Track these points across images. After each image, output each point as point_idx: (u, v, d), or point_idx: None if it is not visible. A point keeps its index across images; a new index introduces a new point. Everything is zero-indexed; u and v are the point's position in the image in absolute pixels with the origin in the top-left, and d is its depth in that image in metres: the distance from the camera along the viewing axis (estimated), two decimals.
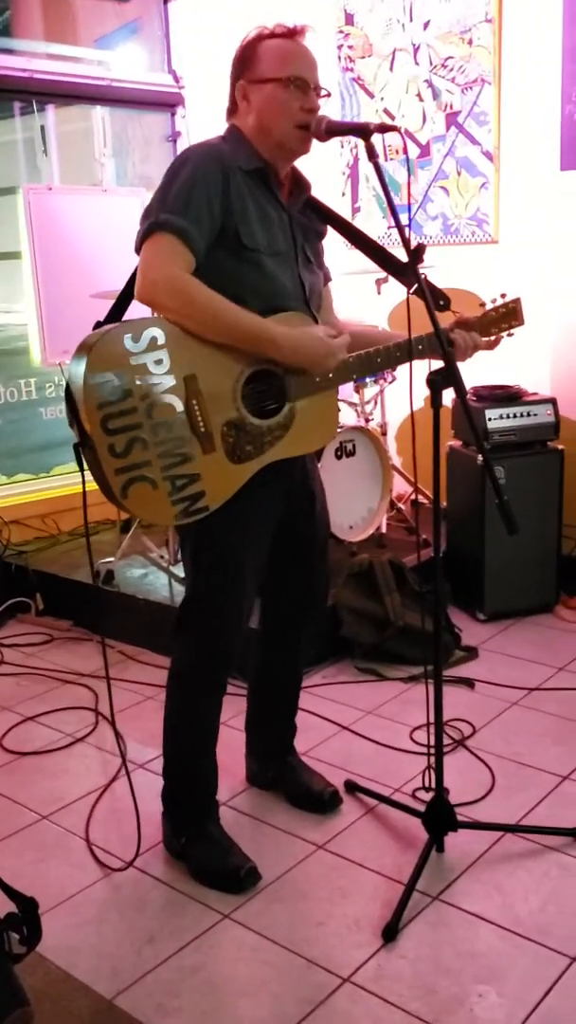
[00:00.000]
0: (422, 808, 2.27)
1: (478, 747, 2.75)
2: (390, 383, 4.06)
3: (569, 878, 2.17)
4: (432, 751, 2.23)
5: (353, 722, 2.93)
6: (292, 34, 2.05)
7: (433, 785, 2.23)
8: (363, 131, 1.96)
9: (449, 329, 2.18)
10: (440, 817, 2.23)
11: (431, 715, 2.20)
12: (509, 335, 2.30)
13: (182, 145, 4.89)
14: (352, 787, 2.55)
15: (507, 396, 3.65)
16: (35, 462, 4.72)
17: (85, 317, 2.11)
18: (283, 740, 2.57)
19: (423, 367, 2.13)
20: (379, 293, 4.01)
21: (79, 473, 1.96)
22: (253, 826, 2.44)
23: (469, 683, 3.14)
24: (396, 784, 2.58)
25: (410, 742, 2.79)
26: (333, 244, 2.33)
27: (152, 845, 2.35)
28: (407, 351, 2.13)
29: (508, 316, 2.27)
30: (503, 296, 2.26)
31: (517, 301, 2.27)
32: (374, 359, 2.12)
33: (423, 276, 2.13)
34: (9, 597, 3.92)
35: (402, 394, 4.09)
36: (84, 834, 2.44)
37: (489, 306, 2.25)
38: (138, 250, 1.96)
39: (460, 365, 2.07)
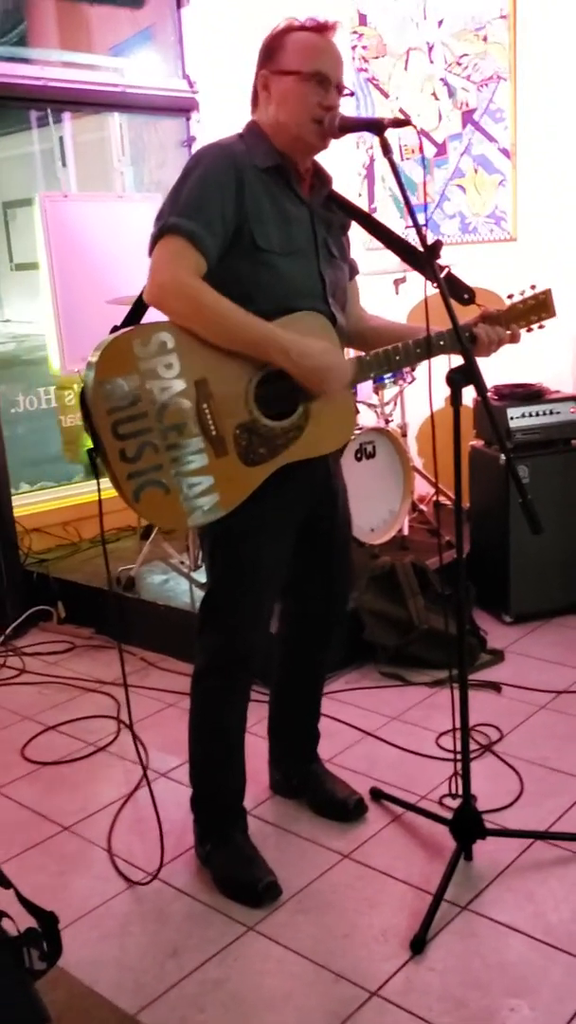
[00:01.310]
0: (449, 815, 2.23)
1: (506, 752, 2.70)
2: (409, 383, 4.02)
3: None
4: (459, 757, 2.18)
5: (377, 728, 2.89)
6: (322, 29, 2.01)
7: (460, 792, 2.18)
8: (376, 126, 1.93)
9: (472, 324, 2.13)
10: (468, 825, 2.19)
11: (457, 720, 2.15)
12: (540, 327, 2.24)
13: (197, 149, 4.88)
14: (377, 795, 2.51)
15: (529, 394, 3.60)
16: (57, 470, 4.73)
17: (103, 323, 2.09)
18: (306, 747, 2.54)
19: (441, 368, 2.09)
20: (397, 293, 3.97)
21: (93, 472, 1.94)
22: (277, 835, 2.40)
23: (496, 687, 3.09)
24: (422, 791, 2.53)
25: (436, 748, 2.75)
26: (353, 243, 2.30)
27: (175, 855, 2.32)
28: (427, 347, 2.08)
29: (538, 308, 2.21)
30: (532, 288, 2.21)
31: (548, 292, 2.21)
32: (392, 356, 2.07)
33: (447, 269, 2.09)
34: (31, 605, 3.91)
35: (422, 394, 4.05)
36: (107, 845, 2.41)
37: (517, 298, 2.20)
38: (151, 253, 1.94)
39: (482, 362, 2.03)
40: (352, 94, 2.04)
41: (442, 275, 2.03)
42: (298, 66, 1.97)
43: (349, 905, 2.13)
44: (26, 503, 4.39)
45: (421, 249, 1.99)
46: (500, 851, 2.25)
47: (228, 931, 2.07)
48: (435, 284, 1.96)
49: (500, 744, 2.75)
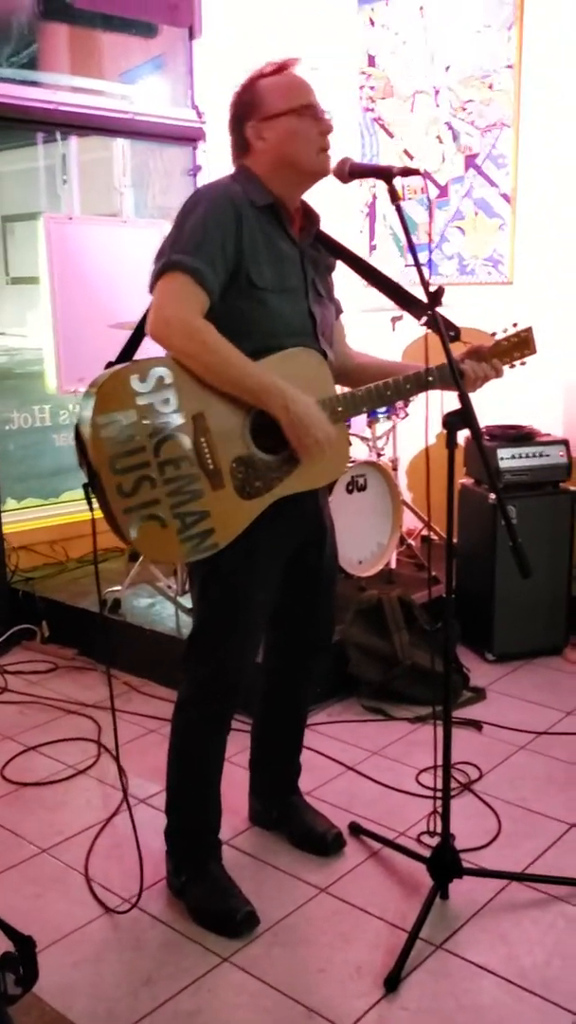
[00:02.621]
0: (427, 853, 2.24)
1: (484, 792, 2.71)
2: (402, 419, 4.07)
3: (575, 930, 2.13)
4: (439, 795, 2.20)
5: (359, 762, 2.90)
6: (283, 68, 2.07)
7: (439, 830, 2.19)
8: (386, 174, 1.97)
9: (460, 360, 2.17)
10: (445, 863, 2.20)
11: (439, 758, 2.17)
12: (522, 364, 2.29)
13: (202, 178, 4.93)
14: (356, 829, 2.52)
15: (520, 436, 3.65)
16: (44, 487, 4.73)
17: (101, 346, 2.11)
18: (287, 779, 2.54)
19: (438, 404, 2.13)
20: (394, 330, 4.02)
21: (87, 503, 1.96)
22: (255, 867, 2.40)
23: (477, 725, 3.11)
24: (401, 828, 2.54)
25: (416, 784, 2.76)
26: (350, 281, 2.34)
27: (152, 883, 2.31)
28: (417, 383, 2.12)
29: (520, 345, 2.25)
30: (515, 326, 2.26)
31: (529, 330, 2.26)
32: (383, 392, 2.11)
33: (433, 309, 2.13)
34: (15, 624, 3.90)
35: (414, 429, 4.10)
36: (84, 869, 2.41)
37: (500, 336, 2.25)
38: (151, 289, 1.97)
39: (474, 402, 2.06)
40: (332, 116, 2.09)
41: (426, 317, 2.07)
42: (287, 105, 2.02)
43: (325, 940, 2.13)
44: (14, 520, 4.39)
45: (415, 293, 2.02)
46: (476, 891, 2.26)
47: (203, 961, 2.06)
48: (422, 324, 2.00)
49: (479, 783, 2.77)
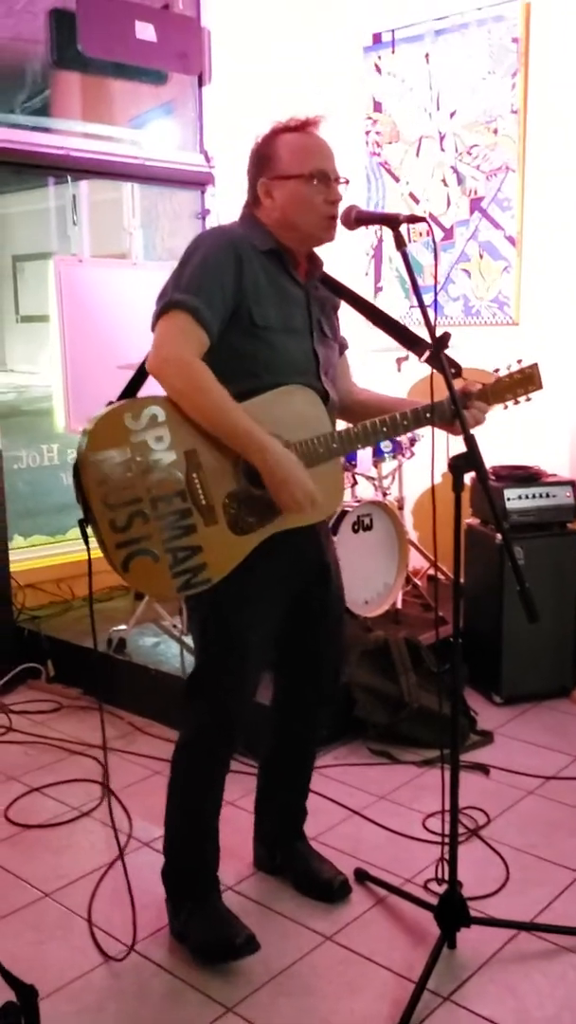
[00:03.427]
0: (434, 901, 2.21)
1: (492, 838, 2.68)
2: (409, 458, 4.08)
3: None
4: (447, 841, 2.17)
5: (364, 807, 2.87)
6: (306, 126, 2.09)
7: (446, 877, 2.17)
8: (392, 221, 2.00)
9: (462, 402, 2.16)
10: (453, 912, 2.16)
11: (446, 802, 2.15)
12: (527, 400, 2.29)
13: (211, 222, 5.00)
14: (362, 876, 2.48)
15: (526, 477, 3.65)
16: (52, 525, 4.74)
17: (109, 386, 2.13)
18: (293, 824, 2.52)
19: (443, 443, 2.13)
20: (399, 370, 4.05)
21: (94, 543, 1.96)
22: (259, 913, 2.37)
23: (484, 770, 3.08)
24: (407, 874, 2.51)
25: (423, 830, 2.73)
26: (356, 322, 2.36)
27: (155, 929, 2.29)
28: (414, 419, 2.14)
29: (525, 382, 2.26)
30: (519, 362, 2.26)
31: (534, 367, 2.26)
32: (379, 428, 2.12)
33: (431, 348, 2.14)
34: (21, 662, 3.89)
35: (420, 469, 4.11)
36: (86, 915, 2.38)
37: (504, 372, 2.25)
38: (153, 328, 2.00)
39: (481, 442, 2.05)
40: (348, 182, 2.11)
41: (428, 353, 2.09)
42: (297, 169, 2.04)
43: (330, 989, 2.10)
44: (21, 559, 4.39)
45: (419, 334, 2.04)
46: (484, 940, 2.22)
47: (207, 1011, 2.03)
48: (423, 361, 2.02)
49: (487, 828, 2.74)
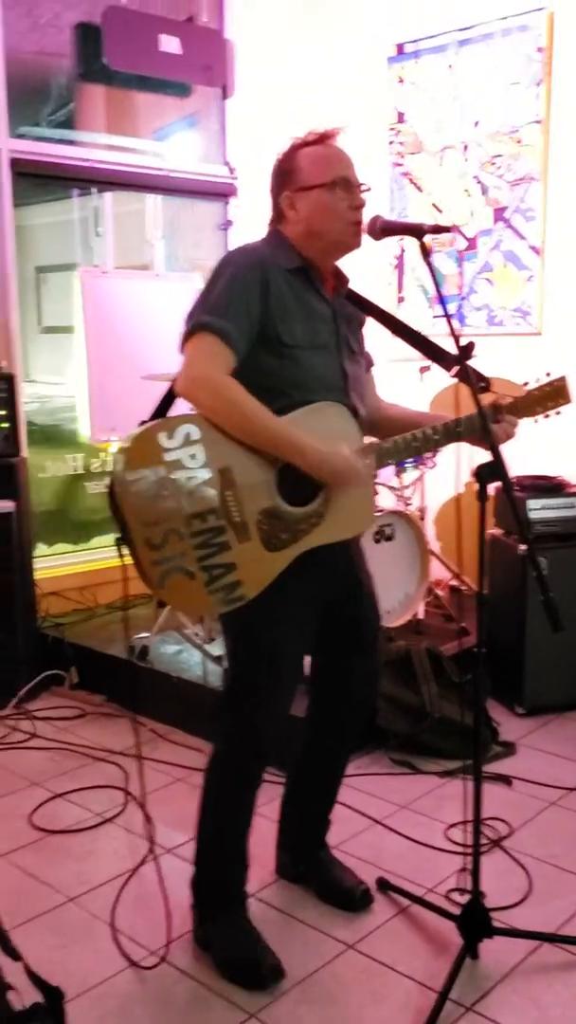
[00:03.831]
0: (456, 911, 2.21)
1: (514, 848, 2.67)
2: (430, 468, 4.08)
3: None
4: (469, 852, 2.17)
5: (386, 816, 2.87)
6: (325, 138, 2.11)
7: (469, 887, 2.16)
8: (417, 231, 2.01)
9: (490, 416, 2.17)
10: (475, 922, 2.16)
11: (468, 813, 2.15)
12: (557, 414, 2.29)
13: (233, 233, 5.03)
14: (384, 885, 2.48)
15: (550, 487, 3.64)
16: (75, 533, 4.78)
17: (133, 397, 2.15)
18: (316, 833, 2.52)
19: (467, 453, 2.14)
20: (421, 380, 4.05)
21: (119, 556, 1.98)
22: (281, 920, 2.38)
23: (506, 780, 3.07)
24: (429, 884, 2.51)
25: (445, 840, 2.72)
26: (378, 332, 2.37)
27: (179, 935, 2.29)
28: (445, 434, 2.15)
29: (554, 395, 2.25)
30: (548, 375, 2.26)
31: (563, 380, 2.26)
32: (411, 443, 2.13)
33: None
34: (44, 669, 3.92)
35: (441, 479, 4.11)
36: (110, 920, 2.39)
37: (532, 386, 2.25)
38: (181, 350, 2.02)
39: (505, 452, 2.06)
40: (370, 188, 2.13)
41: (458, 367, 2.10)
42: (319, 179, 2.06)
43: (353, 998, 2.10)
44: (45, 567, 4.43)
45: (443, 344, 2.04)
46: (507, 951, 2.22)
47: (230, 1017, 2.04)
48: (453, 376, 2.02)
49: (509, 839, 2.73)
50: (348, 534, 2.18)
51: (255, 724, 2.17)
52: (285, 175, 2.11)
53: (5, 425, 3.74)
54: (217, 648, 3.64)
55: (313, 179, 2.06)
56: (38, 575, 4.10)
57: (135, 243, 5.14)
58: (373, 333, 2.36)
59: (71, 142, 4.62)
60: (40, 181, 4.53)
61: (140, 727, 3.51)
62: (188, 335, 2.00)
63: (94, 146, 4.64)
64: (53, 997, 1.64)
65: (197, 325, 1.98)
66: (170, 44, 4.55)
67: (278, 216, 2.14)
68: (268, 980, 2.13)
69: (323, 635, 2.25)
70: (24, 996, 1.68)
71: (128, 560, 1.95)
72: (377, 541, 3.73)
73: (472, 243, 4.30)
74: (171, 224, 5.22)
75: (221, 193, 5.04)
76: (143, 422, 2.03)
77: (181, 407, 2.07)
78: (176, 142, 5.11)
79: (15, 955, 1.67)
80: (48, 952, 2.26)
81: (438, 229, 2.02)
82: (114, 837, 2.81)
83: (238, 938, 2.21)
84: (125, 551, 1.94)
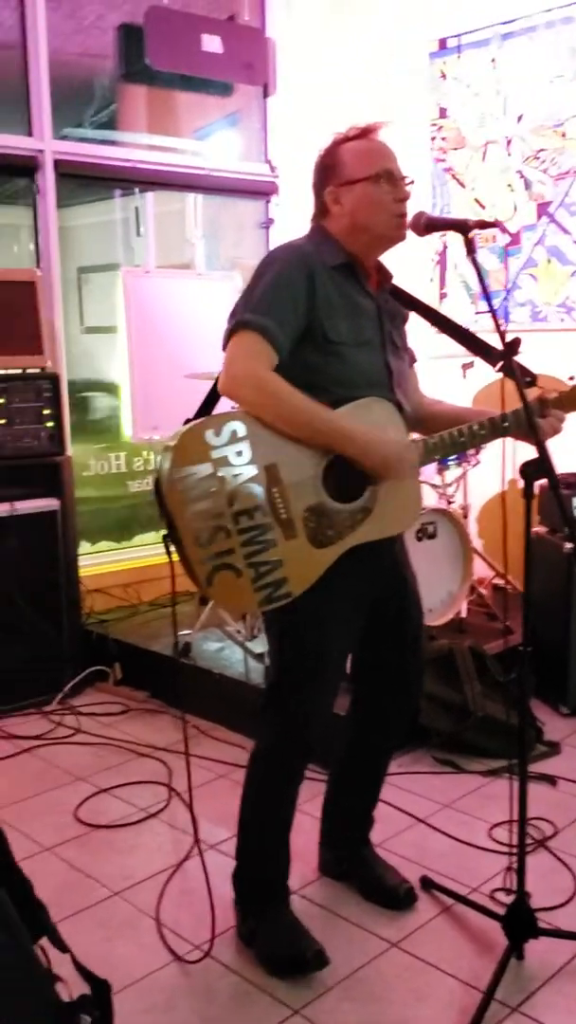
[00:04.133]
0: (501, 911, 2.19)
1: (559, 849, 2.65)
2: (473, 466, 4.05)
3: None
4: (515, 851, 2.15)
5: (429, 815, 2.86)
6: (367, 133, 2.11)
7: (514, 887, 2.15)
8: (462, 227, 2.00)
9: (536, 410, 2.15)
10: (521, 922, 2.14)
11: (513, 812, 2.13)
12: None
13: (275, 231, 5.03)
14: (428, 884, 2.48)
15: None
16: (119, 531, 4.82)
17: (175, 396, 2.16)
18: (360, 831, 2.52)
19: (512, 450, 2.12)
20: (464, 377, 4.03)
21: (163, 550, 1.99)
22: (324, 917, 2.38)
23: (551, 780, 3.05)
24: (474, 883, 2.49)
25: (489, 839, 2.71)
26: (420, 329, 2.36)
27: (223, 931, 2.31)
28: (491, 429, 2.13)
29: None
30: None
31: None
32: (457, 439, 2.12)
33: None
34: (89, 665, 3.96)
35: (484, 476, 4.08)
36: (155, 914, 2.41)
37: None
38: (224, 347, 2.03)
39: (549, 447, 2.04)
40: (413, 181, 2.12)
41: (503, 362, 2.08)
42: (363, 172, 2.06)
43: (396, 996, 2.10)
44: (89, 563, 4.47)
45: (481, 337, 2.03)
46: (552, 952, 2.20)
47: (273, 1013, 2.05)
48: (498, 370, 2.00)
49: (554, 840, 2.70)
50: (395, 530, 2.17)
51: (299, 721, 2.17)
52: (328, 170, 2.10)
53: (49, 424, 3.78)
54: (259, 645, 3.65)
55: (357, 173, 2.06)
56: (84, 573, 4.14)
57: (176, 243, 5.16)
58: (415, 329, 2.36)
59: (113, 143, 4.66)
60: (83, 182, 4.57)
61: (182, 723, 3.52)
62: (231, 333, 2.01)
63: (136, 146, 4.67)
64: (100, 989, 1.66)
65: (240, 323, 1.99)
66: (212, 43, 4.57)
67: (321, 212, 2.14)
68: (311, 966, 2.14)
69: (368, 632, 2.24)
70: (72, 988, 1.70)
71: (175, 557, 1.96)
72: (419, 539, 3.71)
73: (516, 238, 4.26)
74: (212, 223, 5.23)
75: (262, 192, 5.04)
76: (188, 420, 2.05)
77: (225, 406, 2.08)
78: (217, 141, 5.13)
79: (63, 947, 1.69)
80: (95, 945, 2.28)
81: (483, 225, 2.01)
82: (158, 832, 2.83)
83: (281, 931, 2.22)
84: (172, 548, 1.95)
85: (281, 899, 2.29)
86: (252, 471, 1.96)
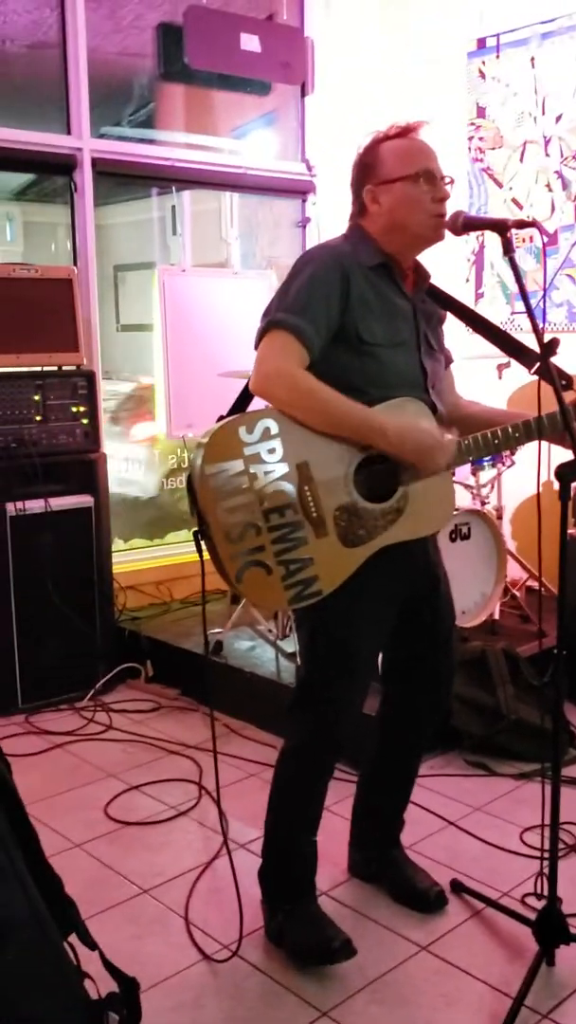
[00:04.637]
0: (532, 916, 2.18)
1: None
2: (508, 467, 4.02)
3: None
4: (546, 856, 2.13)
5: (460, 818, 2.84)
6: (407, 132, 2.10)
7: (545, 892, 2.13)
8: (500, 227, 1.98)
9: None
10: (552, 928, 2.12)
11: (545, 816, 2.11)
12: None
13: (311, 231, 5.03)
14: (458, 887, 2.46)
15: None
16: (151, 528, 4.84)
17: (209, 394, 2.17)
18: (390, 832, 2.51)
19: (546, 452, 2.10)
20: (500, 378, 4.00)
21: (194, 547, 2.00)
22: (354, 919, 2.37)
23: None
24: (504, 887, 2.48)
25: (520, 843, 2.69)
26: (455, 329, 2.35)
27: (252, 930, 2.30)
28: (526, 432, 2.12)
29: None
30: None
31: None
32: (491, 441, 2.11)
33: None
34: (121, 662, 3.98)
35: (519, 478, 4.05)
36: (184, 912, 2.42)
37: None
38: (257, 346, 2.03)
39: None
40: (453, 181, 2.11)
41: (539, 364, 2.06)
42: (402, 171, 2.04)
43: (425, 1000, 2.08)
44: (121, 561, 4.49)
45: (523, 341, 2.01)
46: None
47: (301, 1014, 2.04)
48: (533, 373, 1.98)
49: None
50: (426, 531, 2.16)
51: (331, 718, 2.17)
52: (367, 168, 2.09)
53: (85, 421, 3.80)
54: (290, 645, 3.65)
55: (396, 172, 2.04)
56: (117, 570, 4.16)
57: (212, 241, 5.17)
58: (450, 330, 2.34)
59: (151, 141, 4.67)
60: (120, 180, 4.59)
61: (214, 722, 3.53)
62: (263, 332, 2.01)
63: (173, 145, 4.68)
64: (128, 987, 1.66)
65: (272, 323, 1.99)
66: (250, 42, 4.57)
67: (359, 210, 2.13)
68: (340, 955, 2.14)
69: (399, 631, 2.24)
70: (100, 985, 1.70)
71: (206, 555, 1.96)
72: (453, 540, 3.69)
73: (553, 238, 4.23)
74: (248, 222, 5.24)
75: (299, 191, 5.04)
76: (221, 417, 2.05)
77: (258, 404, 2.08)
78: (255, 140, 5.12)
79: (92, 944, 1.69)
80: (124, 942, 2.29)
81: (521, 224, 1.99)
82: (188, 830, 2.84)
83: (308, 924, 2.23)
84: (203, 545, 1.96)
85: (308, 895, 2.29)
86: (284, 469, 1.96)
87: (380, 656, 2.41)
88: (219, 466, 1.92)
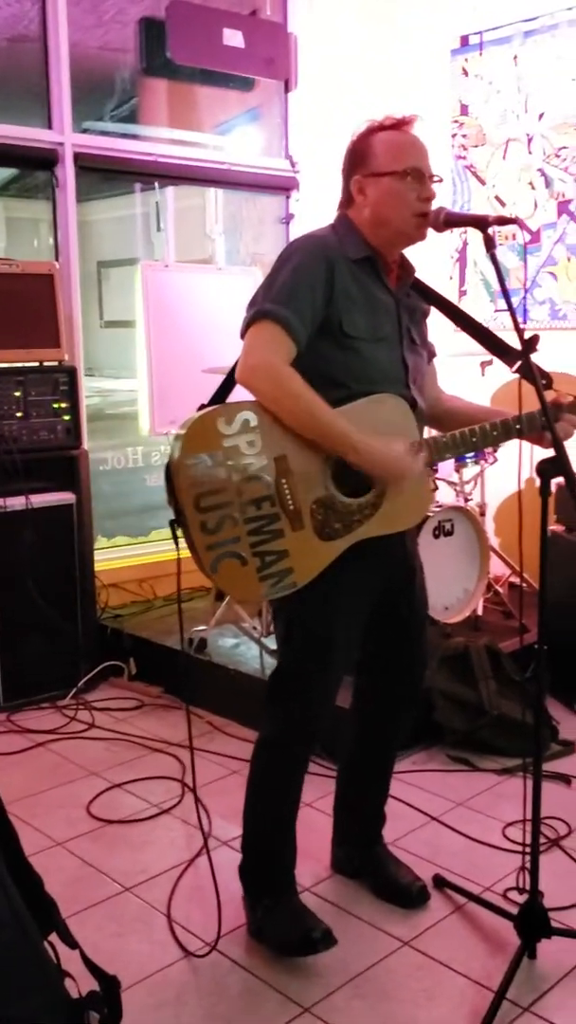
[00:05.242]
0: (514, 910, 2.18)
1: (574, 848, 2.63)
2: (491, 464, 4.03)
3: None
4: (528, 851, 2.14)
5: (443, 813, 2.85)
6: (402, 125, 2.09)
7: (527, 887, 2.14)
8: (481, 223, 1.98)
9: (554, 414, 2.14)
10: (533, 922, 2.13)
11: (527, 811, 2.12)
12: None
13: (295, 226, 5.02)
14: (440, 882, 2.47)
15: None
16: (134, 525, 4.83)
17: (193, 390, 2.17)
18: (371, 828, 2.51)
19: (529, 449, 2.11)
20: (483, 375, 4.00)
21: (173, 538, 2.00)
22: (336, 915, 2.37)
23: (565, 779, 3.03)
24: (486, 882, 2.48)
25: (502, 838, 2.70)
26: (439, 326, 2.35)
27: (234, 927, 2.30)
28: (504, 431, 2.13)
29: None
30: None
31: None
32: (469, 438, 2.12)
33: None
34: (103, 660, 3.96)
35: (502, 474, 4.06)
36: (166, 910, 2.41)
37: None
38: (243, 336, 2.02)
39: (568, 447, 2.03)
40: (441, 180, 2.11)
41: (520, 362, 2.07)
42: (391, 166, 2.04)
43: (407, 995, 2.09)
44: (105, 558, 4.47)
45: (505, 339, 2.02)
46: (565, 952, 2.18)
47: (283, 1011, 2.04)
48: (515, 371, 1.99)
49: (568, 839, 2.69)
50: (402, 526, 2.17)
51: (306, 709, 2.18)
52: (358, 157, 2.08)
53: (67, 418, 3.78)
54: (274, 642, 3.64)
55: (386, 165, 2.04)
56: (97, 567, 4.14)
57: (196, 238, 5.16)
58: (434, 327, 2.34)
59: (134, 136, 4.65)
60: (103, 176, 4.57)
61: (197, 719, 3.53)
62: (250, 322, 2.00)
63: (157, 140, 4.66)
64: (109, 986, 1.66)
65: (259, 313, 1.98)
66: (234, 38, 4.56)
67: (347, 200, 2.13)
68: (320, 945, 2.15)
69: (375, 624, 2.24)
70: (80, 984, 1.70)
71: (183, 545, 1.96)
72: (436, 536, 3.70)
73: (536, 236, 4.24)
74: (232, 218, 5.23)
75: (283, 187, 5.03)
76: (202, 406, 2.05)
77: (240, 394, 2.07)
78: (238, 136, 5.12)
79: (72, 943, 1.69)
80: (106, 940, 2.29)
81: (503, 221, 1.99)
82: (170, 828, 2.84)
83: (288, 916, 2.23)
84: (179, 533, 1.95)
85: (289, 888, 2.29)
86: (262, 461, 1.96)
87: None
88: (198, 457, 1.92)
